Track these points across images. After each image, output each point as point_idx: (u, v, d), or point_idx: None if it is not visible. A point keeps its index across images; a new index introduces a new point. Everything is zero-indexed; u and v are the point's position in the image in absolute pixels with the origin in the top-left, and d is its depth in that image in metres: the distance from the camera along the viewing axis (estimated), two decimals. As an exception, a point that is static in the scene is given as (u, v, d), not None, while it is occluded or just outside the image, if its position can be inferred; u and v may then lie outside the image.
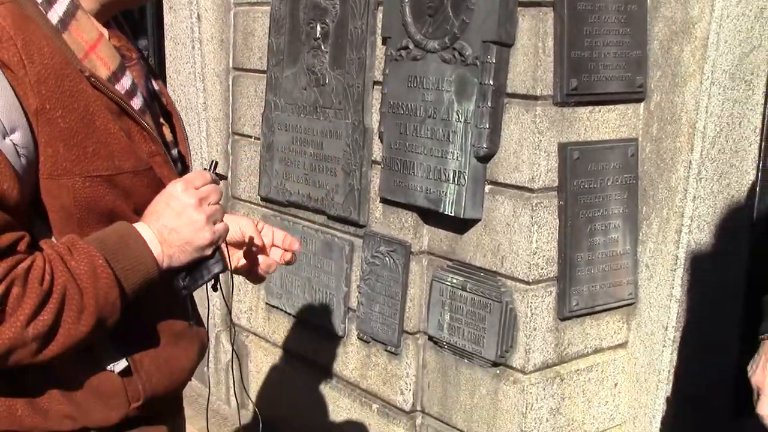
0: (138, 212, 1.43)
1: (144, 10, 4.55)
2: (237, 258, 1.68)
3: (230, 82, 4.11)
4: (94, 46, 1.40)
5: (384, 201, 3.27)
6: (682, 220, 2.90)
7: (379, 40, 3.27)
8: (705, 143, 2.85)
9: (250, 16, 3.96)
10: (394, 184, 3.16)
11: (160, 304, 1.50)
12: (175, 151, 1.61)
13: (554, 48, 2.75)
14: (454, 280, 3.04)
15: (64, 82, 1.33)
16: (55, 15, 1.38)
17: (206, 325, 1.73)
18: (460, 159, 2.92)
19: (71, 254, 1.31)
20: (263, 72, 3.84)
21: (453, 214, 2.95)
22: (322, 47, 3.49)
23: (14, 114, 1.29)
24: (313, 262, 3.60)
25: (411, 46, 3.07)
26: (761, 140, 3.01)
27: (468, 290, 2.99)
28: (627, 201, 2.98)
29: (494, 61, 2.81)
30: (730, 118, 2.91)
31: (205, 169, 1.51)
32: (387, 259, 3.26)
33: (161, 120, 1.60)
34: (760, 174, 3.04)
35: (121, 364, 1.44)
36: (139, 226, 1.39)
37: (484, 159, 2.89)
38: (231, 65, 4.10)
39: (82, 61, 1.38)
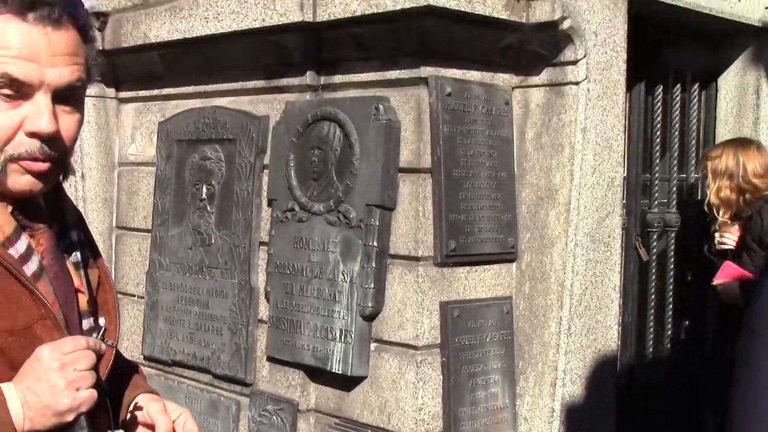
0: (15, 370, 1.44)
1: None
2: None
3: (113, 241, 4.11)
4: None
5: (271, 359, 3.29)
6: (557, 373, 3.06)
7: (264, 202, 3.40)
8: (573, 300, 3.07)
9: (135, 176, 4.03)
10: (282, 342, 3.21)
11: None
12: (89, 320, 1.62)
13: (433, 211, 2.94)
14: (341, 438, 3.06)
15: None
16: None
17: None
18: (346, 318, 3.01)
19: None
20: (148, 231, 3.88)
21: (340, 372, 3.01)
22: (208, 208, 3.58)
23: None
24: (198, 422, 3.50)
25: (297, 208, 3.21)
26: (620, 297, 3.26)
27: (355, 448, 3.02)
28: (505, 356, 3.13)
29: (377, 224, 2.97)
30: (593, 277, 3.15)
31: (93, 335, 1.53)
32: (275, 417, 3.25)
33: (80, 288, 1.62)
34: (620, 329, 3.28)
35: None
36: (5, 386, 1.41)
37: (370, 318, 3.00)
38: (114, 224, 4.11)
39: None
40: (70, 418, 1.43)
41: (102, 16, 3.85)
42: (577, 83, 3.00)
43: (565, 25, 2.91)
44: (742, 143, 3.58)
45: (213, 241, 3.54)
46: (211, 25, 3.35)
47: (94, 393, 1.47)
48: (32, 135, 1.46)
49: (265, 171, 3.40)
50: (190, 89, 3.72)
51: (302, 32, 3.12)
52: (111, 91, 4.09)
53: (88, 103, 4.02)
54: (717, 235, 3.53)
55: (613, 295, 3.23)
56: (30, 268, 1.50)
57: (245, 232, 3.43)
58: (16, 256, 1.48)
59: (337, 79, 3.18)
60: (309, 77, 3.22)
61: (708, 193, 3.57)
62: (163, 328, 3.71)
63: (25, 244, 1.51)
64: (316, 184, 3.17)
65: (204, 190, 3.59)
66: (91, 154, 4.09)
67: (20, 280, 1.47)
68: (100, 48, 3.84)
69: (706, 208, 3.57)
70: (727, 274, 3.41)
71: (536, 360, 3.11)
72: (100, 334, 1.55)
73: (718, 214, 3.53)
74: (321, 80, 3.23)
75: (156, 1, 3.72)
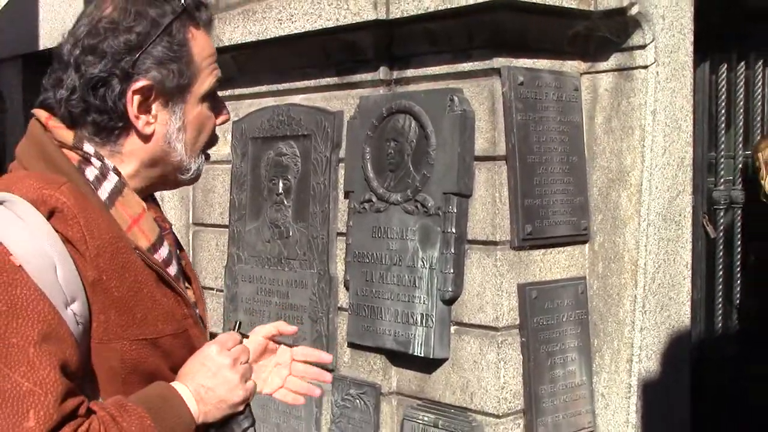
0: (174, 370, 1.54)
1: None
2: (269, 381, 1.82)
3: (190, 237, 4.27)
4: (137, 220, 1.54)
5: (352, 345, 3.43)
6: (632, 350, 3.15)
7: (341, 194, 3.52)
8: (647, 279, 3.15)
9: (210, 173, 4.18)
10: (363, 328, 3.34)
11: None
12: (197, 311, 1.71)
13: (509, 197, 3.05)
14: (426, 418, 3.19)
15: (118, 255, 1.46)
16: (104, 192, 1.53)
17: None
18: (426, 303, 3.13)
19: (122, 415, 1.40)
20: (224, 226, 4.03)
21: (423, 355, 3.13)
22: (285, 202, 3.72)
23: (74, 285, 1.41)
24: (281, 407, 3.68)
25: (374, 199, 3.33)
26: (692, 275, 3.34)
27: (440, 427, 3.14)
28: (580, 335, 3.22)
29: (455, 211, 3.08)
30: (666, 256, 3.23)
31: (230, 329, 1.67)
32: (357, 401, 3.39)
33: (185, 283, 1.71)
34: (692, 305, 3.36)
35: None
36: (177, 386, 1.50)
37: (450, 302, 3.11)
38: (191, 221, 4.28)
39: (126, 234, 1.52)
40: (241, 408, 1.55)
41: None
42: (645, 67, 3.08)
43: (634, 10, 2.99)
44: None
45: (291, 234, 3.68)
46: (285, 27, 3.48)
47: (256, 382, 1.61)
48: (217, 126, 1.62)
49: (340, 164, 3.52)
50: (263, 88, 3.86)
51: (375, 29, 3.24)
52: (183, 93, 4.24)
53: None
54: None
55: (685, 272, 3.30)
56: (172, 270, 1.59)
57: (323, 223, 3.56)
58: (161, 261, 1.56)
59: (410, 73, 3.29)
60: (382, 72, 3.34)
61: (763, 184, 3.66)
62: (244, 320, 3.85)
63: (167, 249, 1.59)
64: (393, 175, 3.28)
65: (280, 184, 3.73)
66: (166, 155, 4.25)
67: (170, 284, 1.56)
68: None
69: (763, 199, 3.65)
70: None
71: (611, 338, 3.20)
72: (236, 327, 1.69)
73: None
74: (393, 75, 3.34)
75: (227, 6, 3.86)
